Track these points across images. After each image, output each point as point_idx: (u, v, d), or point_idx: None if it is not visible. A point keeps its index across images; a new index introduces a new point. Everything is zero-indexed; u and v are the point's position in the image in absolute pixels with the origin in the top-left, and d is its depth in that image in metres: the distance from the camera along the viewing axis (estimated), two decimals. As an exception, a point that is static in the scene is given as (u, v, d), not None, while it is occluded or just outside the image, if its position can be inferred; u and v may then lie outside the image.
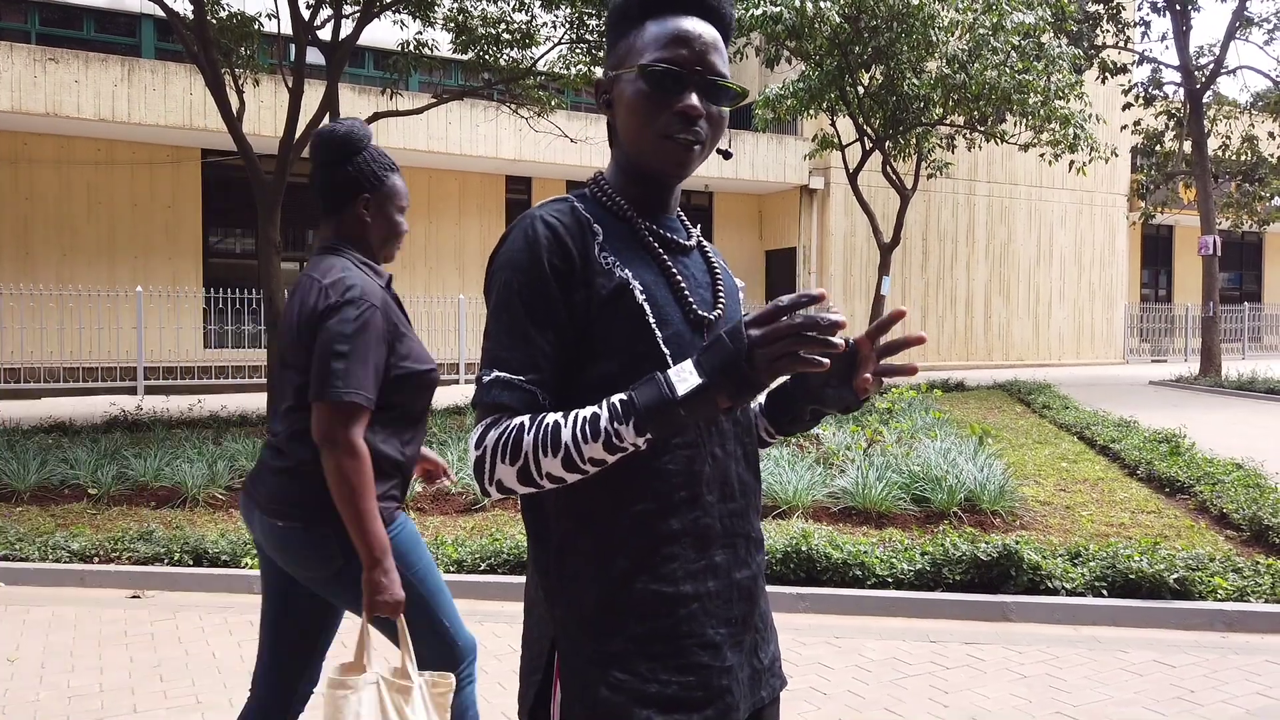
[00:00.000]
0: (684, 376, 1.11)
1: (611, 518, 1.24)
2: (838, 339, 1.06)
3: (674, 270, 1.31)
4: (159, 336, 14.73)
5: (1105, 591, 4.57)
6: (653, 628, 1.22)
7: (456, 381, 16.11)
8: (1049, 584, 4.62)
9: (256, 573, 5.01)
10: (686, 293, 1.31)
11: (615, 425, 1.12)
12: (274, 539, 2.15)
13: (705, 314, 1.32)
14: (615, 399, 1.14)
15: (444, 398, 12.71)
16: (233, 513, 6.19)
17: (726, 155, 1.47)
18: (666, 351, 1.25)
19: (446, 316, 17.01)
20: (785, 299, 1.06)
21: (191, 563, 5.17)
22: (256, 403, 11.05)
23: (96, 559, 5.28)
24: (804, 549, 4.83)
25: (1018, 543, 4.77)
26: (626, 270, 1.26)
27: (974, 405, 12.04)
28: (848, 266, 19.85)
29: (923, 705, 3.58)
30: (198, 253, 16.18)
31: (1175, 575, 4.55)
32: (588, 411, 1.15)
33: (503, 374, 1.21)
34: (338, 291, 2.09)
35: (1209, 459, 7.40)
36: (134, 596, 4.96)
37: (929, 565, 4.77)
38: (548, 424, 1.16)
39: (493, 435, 1.18)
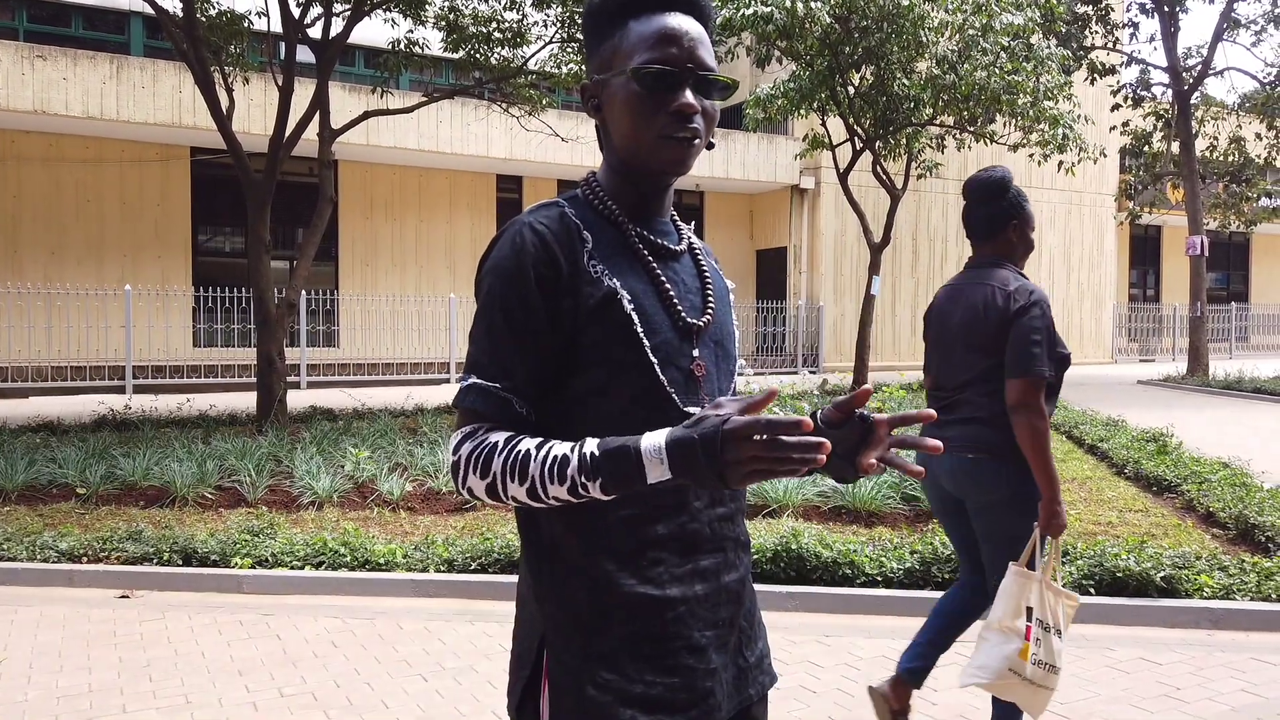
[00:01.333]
0: (655, 460, 1.09)
1: (599, 521, 1.25)
2: (819, 455, 1.02)
3: (663, 278, 1.31)
4: (148, 335, 14.68)
5: (1093, 589, 4.60)
6: (640, 629, 1.23)
7: (447, 380, 16.09)
8: (1037, 582, 4.64)
9: (246, 572, 5.00)
10: (675, 300, 1.31)
11: (582, 479, 1.12)
12: (962, 469, 2.86)
13: (694, 320, 1.32)
14: (588, 451, 1.13)
15: (435, 397, 12.69)
16: (222, 511, 6.17)
17: (709, 145, 1.45)
18: (654, 360, 1.26)
19: (437, 315, 16.98)
20: (765, 419, 1.03)
21: (181, 562, 5.16)
22: (246, 401, 11.01)
23: (85, 559, 5.27)
24: (794, 548, 4.85)
25: (1006, 541, 4.79)
26: (615, 279, 1.27)
27: (963, 404, 12.07)
28: (838, 266, 19.90)
29: (912, 703, 3.59)
30: (187, 251, 16.11)
31: (1162, 573, 4.59)
32: (560, 450, 1.14)
33: (480, 381, 1.23)
34: (1023, 296, 2.81)
35: (1196, 458, 7.45)
36: (123, 596, 4.95)
37: (918, 564, 4.80)
38: (519, 452, 1.16)
39: (467, 447, 1.19)
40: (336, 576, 4.99)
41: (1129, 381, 16.75)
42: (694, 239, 1.45)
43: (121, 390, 13.76)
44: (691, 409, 1.28)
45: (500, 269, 1.26)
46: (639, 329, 1.26)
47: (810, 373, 18.33)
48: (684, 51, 1.27)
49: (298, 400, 11.66)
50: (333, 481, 6.49)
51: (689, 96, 1.26)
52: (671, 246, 1.36)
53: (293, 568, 5.07)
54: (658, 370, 1.26)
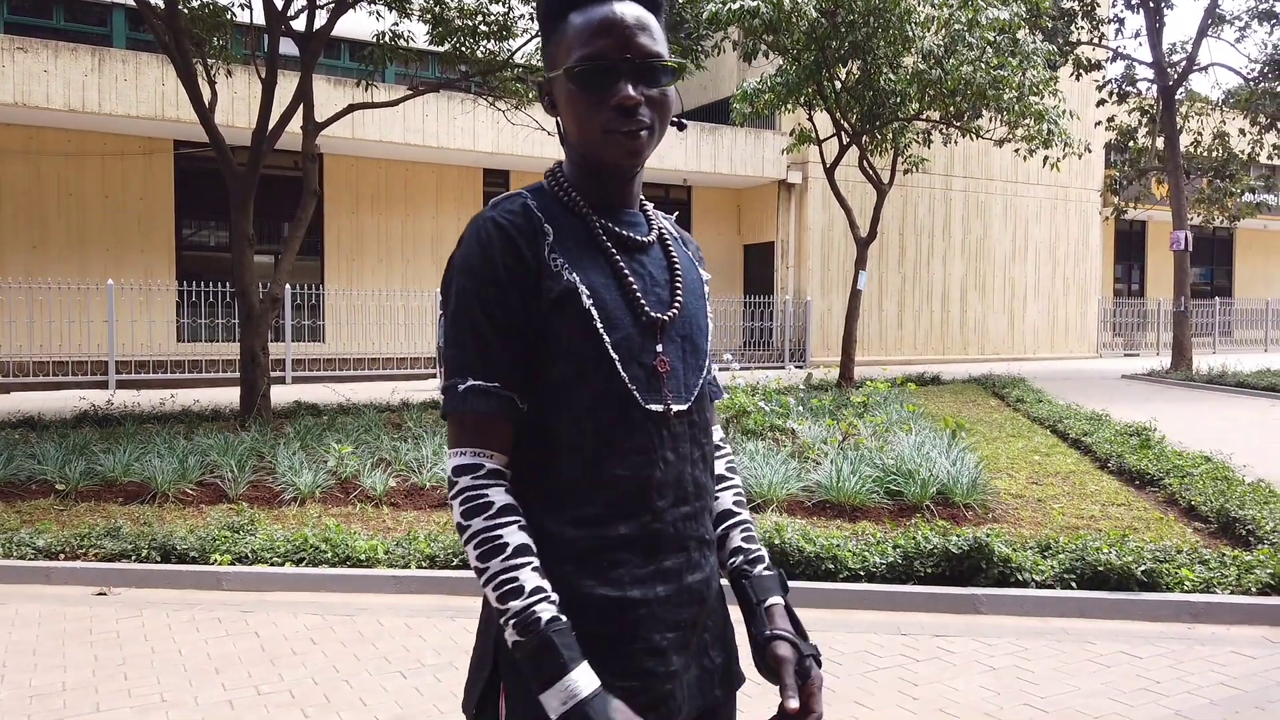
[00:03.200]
0: (557, 701, 1.11)
1: (559, 522, 1.23)
2: None
3: (626, 271, 1.28)
4: (131, 330, 14.56)
5: (1074, 584, 4.61)
6: (599, 631, 1.21)
7: (434, 375, 16.03)
8: (1019, 576, 4.65)
9: (225, 569, 4.97)
10: (638, 294, 1.28)
11: (510, 623, 1.14)
12: None
13: (658, 315, 1.29)
14: (535, 617, 1.13)
15: (420, 392, 12.64)
16: (203, 508, 6.13)
17: (679, 126, 1.40)
18: (615, 357, 1.23)
19: (424, 310, 16.91)
20: None
21: (159, 559, 5.11)
22: (230, 397, 10.94)
23: (62, 555, 5.21)
24: (777, 543, 4.84)
25: (989, 536, 4.80)
26: (575, 273, 1.24)
27: (949, 399, 12.12)
28: (825, 261, 19.91)
29: (892, 698, 3.59)
30: (170, 245, 15.99)
31: (1143, 567, 4.60)
32: (522, 580, 1.15)
33: (477, 382, 1.21)
34: None
35: (1178, 452, 7.49)
36: (100, 593, 4.90)
37: (900, 558, 4.79)
38: (495, 536, 1.18)
39: (465, 481, 1.20)
40: (317, 573, 4.96)
41: (1113, 376, 16.83)
42: (667, 227, 1.41)
43: (104, 386, 13.65)
44: (653, 406, 1.26)
45: (469, 267, 1.24)
46: (598, 324, 1.23)
47: (797, 367, 18.33)
48: (619, 41, 1.23)
49: (282, 395, 11.60)
50: (315, 477, 6.45)
51: (628, 90, 1.22)
52: (639, 238, 1.32)
53: (273, 564, 5.03)
54: (619, 367, 1.23)
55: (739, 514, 1.43)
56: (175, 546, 5.14)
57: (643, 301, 1.28)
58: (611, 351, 1.23)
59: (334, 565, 5.04)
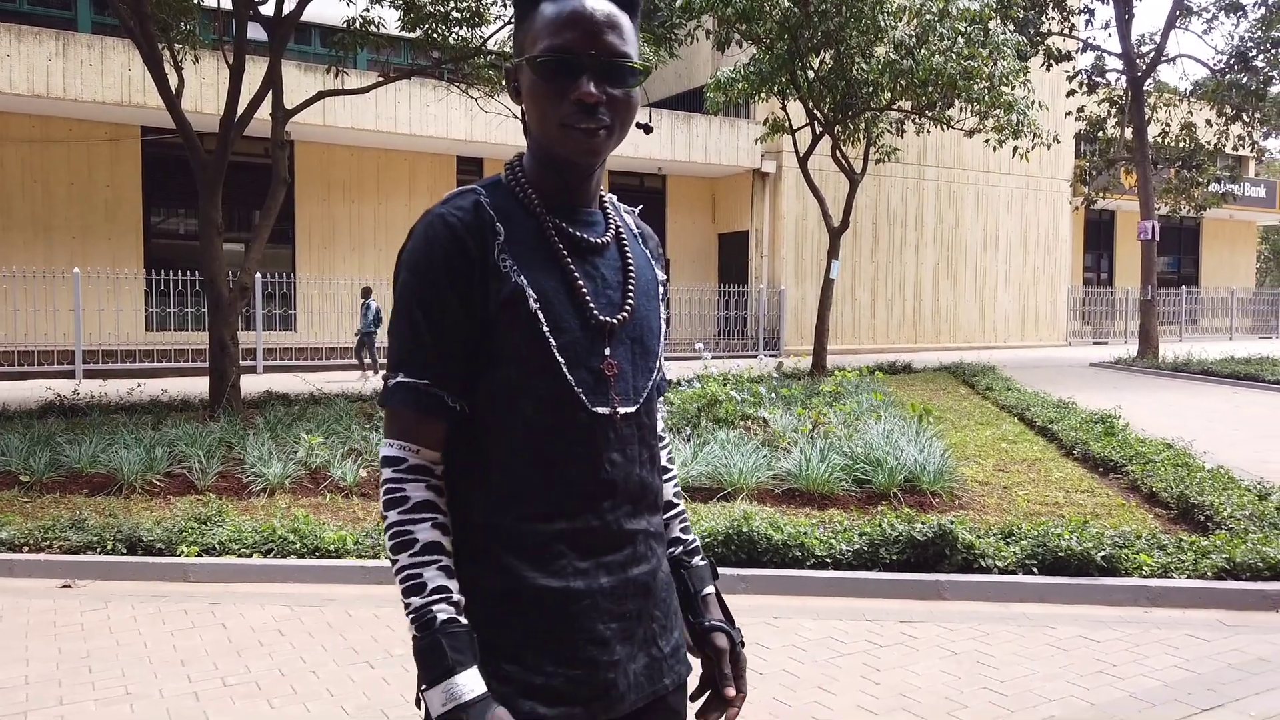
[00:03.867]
0: (439, 700, 1.15)
1: (505, 516, 1.24)
2: None
3: (576, 275, 1.28)
4: (98, 319, 14.38)
5: (1035, 569, 4.69)
6: (543, 623, 1.23)
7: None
8: (982, 563, 4.72)
9: (191, 560, 4.94)
10: (588, 298, 1.27)
11: (409, 619, 1.19)
12: None
13: (607, 318, 1.28)
14: (432, 616, 1.18)
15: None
16: (170, 500, 6.08)
17: (646, 129, 1.41)
18: (561, 360, 1.24)
19: (396, 299, 16.81)
20: None
21: (125, 551, 5.07)
22: (199, 387, 10.83)
23: (26, 548, 5.16)
24: (745, 531, 4.88)
25: (953, 523, 4.87)
26: (522, 275, 1.24)
27: (920, 387, 12.24)
28: (799, 250, 19.99)
29: (854, 684, 3.65)
30: (138, 233, 15.79)
31: (1103, 553, 4.68)
32: (426, 577, 1.19)
33: (407, 379, 1.23)
34: None
35: (1141, 439, 7.61)
36: (64, 586, 4.86)
37: (866, 545, 4.85)
38: (406, 531, 1.21)
39: (388, 474, 1.24)
40: (285, 564, 4.94)
41: (1082, 364, 17.05)
42: (627, 224, 1.40)
43: (71, 375, 13.48)
44: (600, 409, 1.26)
45: (413, 263, 1.24)
46: (544, 327, 1.23)
47: (770, 356, 18.43)
48: (585, 36, 1.22)
49: (253, 385, 11.50)
50: (285, 468, 6.42)
51: (589, 87, 1.22)
52: (593, 239, 1.31)
53: (240, 555, 5.01)
54: (565, 370, 1.24)
55: (677, 505, 1.48)
56: (141, 538, 5.10)
57: (591, 306, 1.27)
58: (558, 355, 1.23)
59: (302, 556, 5.02)
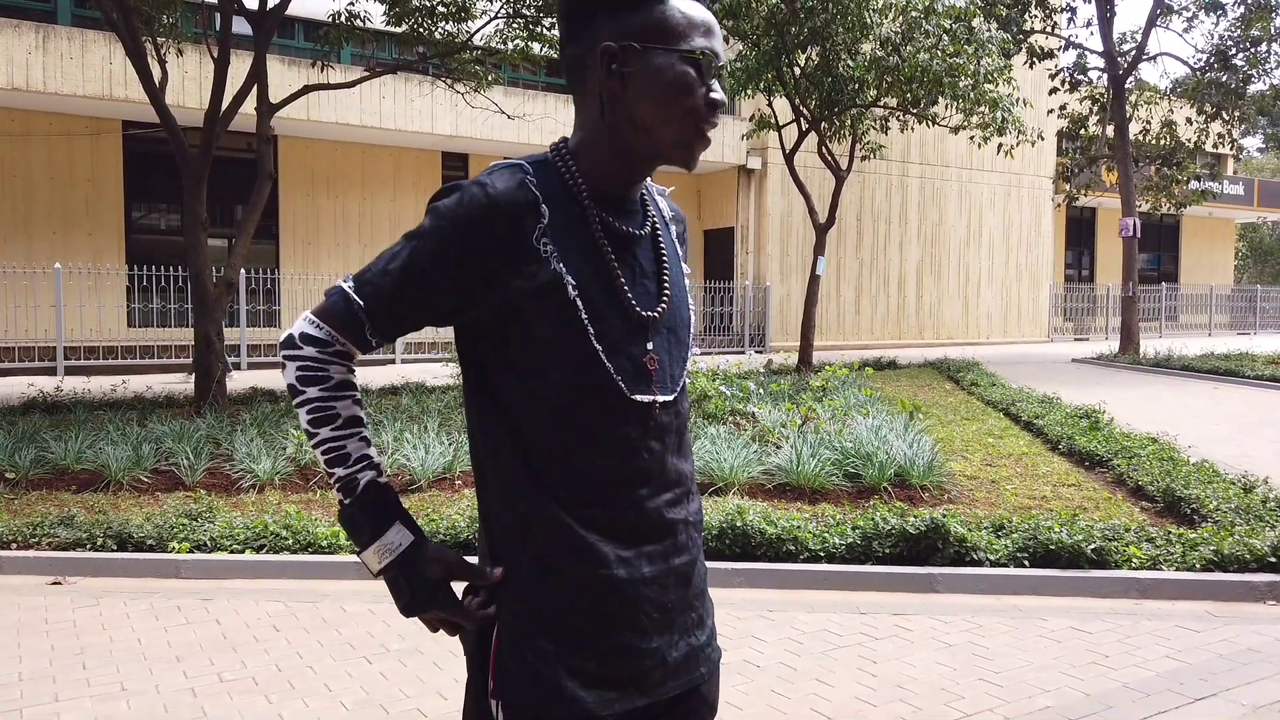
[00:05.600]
0: (375, 558, 1.23)
1: (542, 505, 1.24)
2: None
3: (617, 268, 1.27)
4: (80, 315, 14.23)
5: (1027, 562, 4.73)
6: (585, 609, 1.23)
7: (393, 361, 15.90)
8: (974, 556, 4.76)
9: (183, 556, 4.91)
10: (627, 290, 1.27)
11: (334, 489, 1.26)
12: None
13: (647, 311, 1.29)
14: (357, 480, 1.25)
15: (379, 377, 12.53)
16: (158, 495, 6.04)
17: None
18: (600, 348, 1.24)
19: (381, 295, 16.73)
20: (466, 621, 1.26)
21: (115, 548, 5.03)
22: (183, 383, 10.75)
23: (15, 545, 5.11)
24: (739, 525, 4.90)
25: (945, 516, 4.91)
26: (562, 263, 1.23)
27: (905, 383, 12.31)
28: (784, 246, 20.05)
29: (851, 675, 3.67)
30: (120, 229, 15.64)
31: (1093, 545, 4.73)
32: (350, 449, 1.26)
33: (351, 291, 1.25)
34: None
35: (1126, 434, 7.69)
36: (55, 583, 4.82)
37: (859, 539, 4.88)
38: (328, 407, 1.25)
39: (309, 351, 1.25)
40: (278, 560, 4.92)
41: (1064, 360, 17.20)
42: (660, 209, 1.39)
43: (53, 372, 13.34)
44: (640, 397, 1.26)
45: (437, 219, 1.23)
46: (584, 315, 1.23)
47: (757, 352, 18.47)
48: (717, 48, 1.29)
49: (238, 381, 11.42)
50: (274, 464, 6.39)
51: (722, 93, 1.28)
52: (634, 231, 1.31)
53: (232, 551, 4.99)
54: (604, 358, 1.24)
55: None
56: (132, 535, 5.06)
57: (631, 298, 1.28)
58: (595, 343, 1.23)
59: (295, 552, 5.00)
